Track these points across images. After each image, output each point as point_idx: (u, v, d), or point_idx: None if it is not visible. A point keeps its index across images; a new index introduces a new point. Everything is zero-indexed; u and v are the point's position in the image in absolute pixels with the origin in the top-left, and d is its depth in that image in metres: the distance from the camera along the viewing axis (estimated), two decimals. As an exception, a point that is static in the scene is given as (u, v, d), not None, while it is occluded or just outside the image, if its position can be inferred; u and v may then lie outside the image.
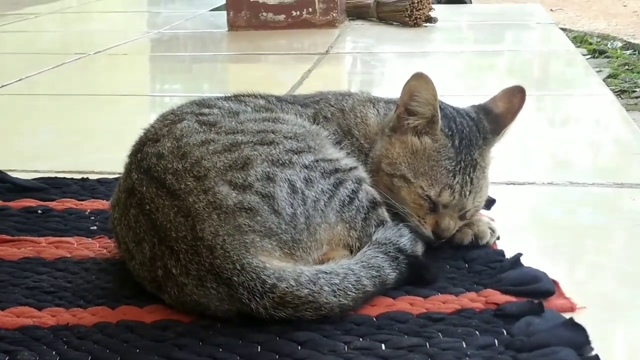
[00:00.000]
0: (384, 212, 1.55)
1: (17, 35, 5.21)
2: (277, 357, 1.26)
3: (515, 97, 1.68)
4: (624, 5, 10.16)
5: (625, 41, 6.44)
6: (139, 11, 6.50)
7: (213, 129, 1.49)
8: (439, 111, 1.57)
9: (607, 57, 5.74)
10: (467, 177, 1.58)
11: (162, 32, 5.11)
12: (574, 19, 7.97)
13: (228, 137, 1.46)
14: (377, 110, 1.72)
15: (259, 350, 1.28)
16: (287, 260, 1.38)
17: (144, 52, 4.56)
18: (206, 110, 1.57)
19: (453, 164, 1.57)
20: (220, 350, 1.28)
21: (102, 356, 1.27)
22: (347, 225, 1.47)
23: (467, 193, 1.58)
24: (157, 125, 1.55)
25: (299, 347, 1.28)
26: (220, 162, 1.41)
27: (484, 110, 1.68)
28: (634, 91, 4.69)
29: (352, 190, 1.49)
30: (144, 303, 1.43)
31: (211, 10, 6.04)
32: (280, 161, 1.43)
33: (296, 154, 1.46)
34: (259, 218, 1.36)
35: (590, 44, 6.12)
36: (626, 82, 4.88)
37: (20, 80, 3.59)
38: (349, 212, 1.48)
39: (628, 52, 5.92)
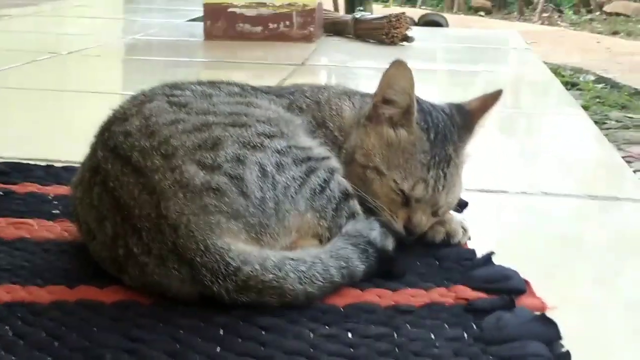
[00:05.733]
0: (355, 205, 1.52)
1: (-13, 34, 5.15)
2: (240, 340, 1.22)
3: (491, 96, 1.66)
4: (597, 42, 10.28)
5: (597, 75, 6.51)
6: (115, 18, 6.46)
7: (183, 109, 1.45)
8: (415, 102, 1.55)
9: (580, 89, 5.79)
10: (441, 172, 1.55)
11: (137, 39, 5.07)
12: (547, 52, 8.03)
13: (199, 117, 1.43)
14: (353, 103, 1.69)
15: (221, 333, 1.24)
16: (253, 245, 1.34)
17: (117, 55, 4.51)
18: (178, 92, 1.53)
19: (428, 157, 1.54)
20: (181, 331, 1.23)
21: (58, 333, 1.22)
22: (317, 214, 1.44)
23: (441, 188, 1.55)
24: (126, 105, 1.51)
25: (263, 332, 1.24)
26: (190, 141, 1.37)
27: (457, 107, 1.67)
28: (605, 123, 4.74)
29: (324, 179, 1.46)
30: (105, 285, 1.38)
31: (188, 20, 6.01)
32: (252, 144, 1.40)
33: (268, 137, 1.43)
34: (226, 199, 1.32)
35: (563, 76, 6.17)
36: (597, 114, 4.93)
37: (-12, 74, 3.53)
38: (320, 201, 1.44)
39: (600, 85, 5.98)
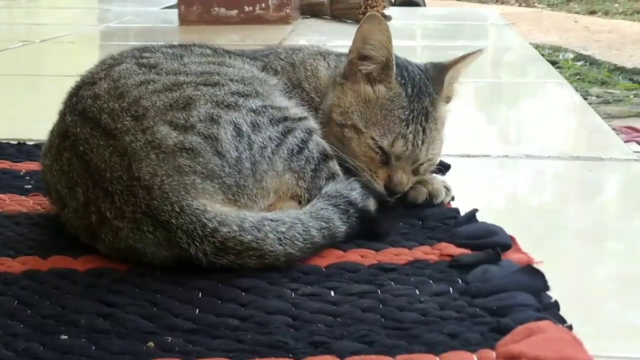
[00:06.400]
0: (335, 165, 1.48)
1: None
2: (219, 302, 1.18)
3: (469, 53, 1.62)
4: (575, 21, 10.27)
5: (576, 53, 6.48)
6: (89, 7, 6.38)
7: (153, 70, 1.41)
8: (393, 55, 1.51)
9: (559, 67, 5.77)
10: (419, 126, 1.51)
11: (111, 26, 5.00)
12: (526, 33, 7.99)
13: (169, 77, 1.38)
14: (328, 64, 1.65)
15: (200, 296, 1.20)
16: (230, 206, 1.30)
17: (92, 42, 4.45)
18: (148, 54, 1.49)
19: (406, 112, 1.50)
20: (159, 296, 1.20)
21: (30, 301, 1.19)
22: (296, 175, 1.40)
23: (420, 143, 1.51)
24: (95, 70, 1.48)
25: (243, 294, 1.21)
26: (160, 101, 1.32)
27: (432, 64, 1.64)
28: (586, 99, 4.74)
29: (302, 139, 1.42)
30: (78, 254, 1.34)
31: (163, 8, 5.94)
32: (225, 103, 1.35)
33: (243, 96, 1.39)
34: (200, 159, 1.28)
35: (543, 55, 6.14)
36: (578, 90, 4.93)
37: (-40, 62, 3.46)
38: (298, 161, 1.40)
39: (579, 63, 5.96)
